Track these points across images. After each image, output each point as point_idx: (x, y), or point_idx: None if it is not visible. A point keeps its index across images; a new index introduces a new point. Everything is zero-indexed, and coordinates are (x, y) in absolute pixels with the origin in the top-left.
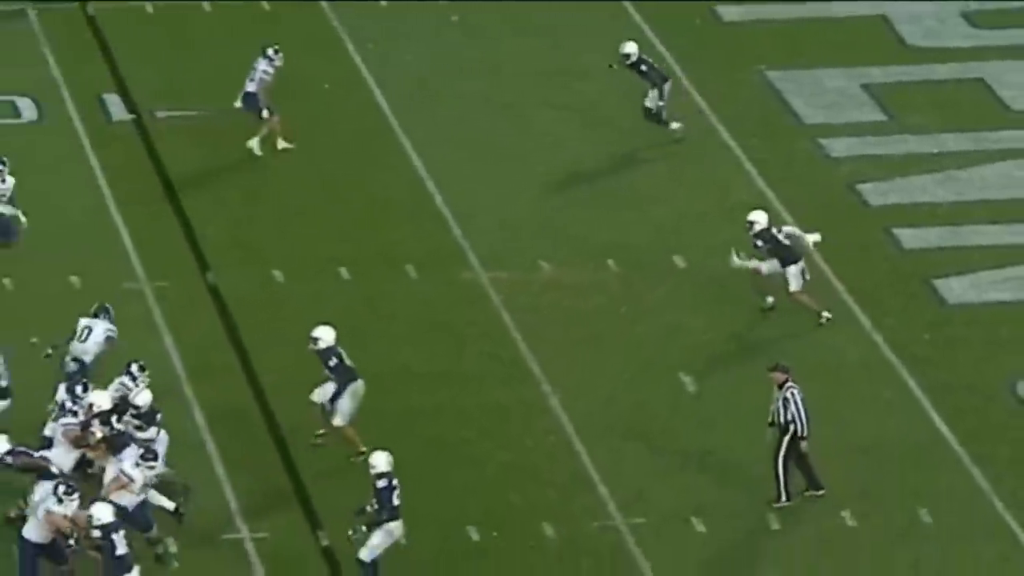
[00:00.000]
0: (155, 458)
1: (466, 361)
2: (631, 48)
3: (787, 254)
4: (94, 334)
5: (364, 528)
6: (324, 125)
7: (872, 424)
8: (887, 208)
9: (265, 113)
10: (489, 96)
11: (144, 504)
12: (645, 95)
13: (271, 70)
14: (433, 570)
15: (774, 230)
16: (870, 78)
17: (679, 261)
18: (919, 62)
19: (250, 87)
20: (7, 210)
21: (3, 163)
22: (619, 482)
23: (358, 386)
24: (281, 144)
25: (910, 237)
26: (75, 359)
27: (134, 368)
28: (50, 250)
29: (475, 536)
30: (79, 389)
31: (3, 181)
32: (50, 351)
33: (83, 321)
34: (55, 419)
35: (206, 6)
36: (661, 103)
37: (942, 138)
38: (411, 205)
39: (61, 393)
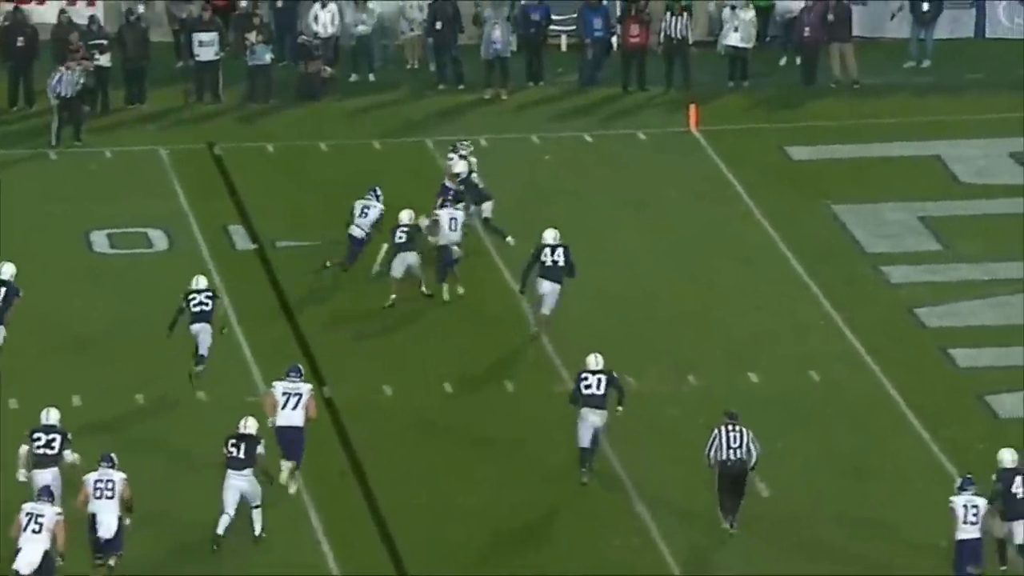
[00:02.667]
0: None
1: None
2: (461, 167)
3: None
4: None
5: None
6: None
7: (930, 524)
8: (942, 330)
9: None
10: (577, 221)
11: None
12: (472, 210)
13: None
14: None
15: None
16: (926, 211)
17: (753, 376)
18: (971, 197)
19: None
20: None
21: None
22: None
23: None
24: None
25: (964, 357)
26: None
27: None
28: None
29: None
30: None
31: None
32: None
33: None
34: None
35: (322, 146)
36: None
37: (992, 267)
38: (506, 320)
39: None
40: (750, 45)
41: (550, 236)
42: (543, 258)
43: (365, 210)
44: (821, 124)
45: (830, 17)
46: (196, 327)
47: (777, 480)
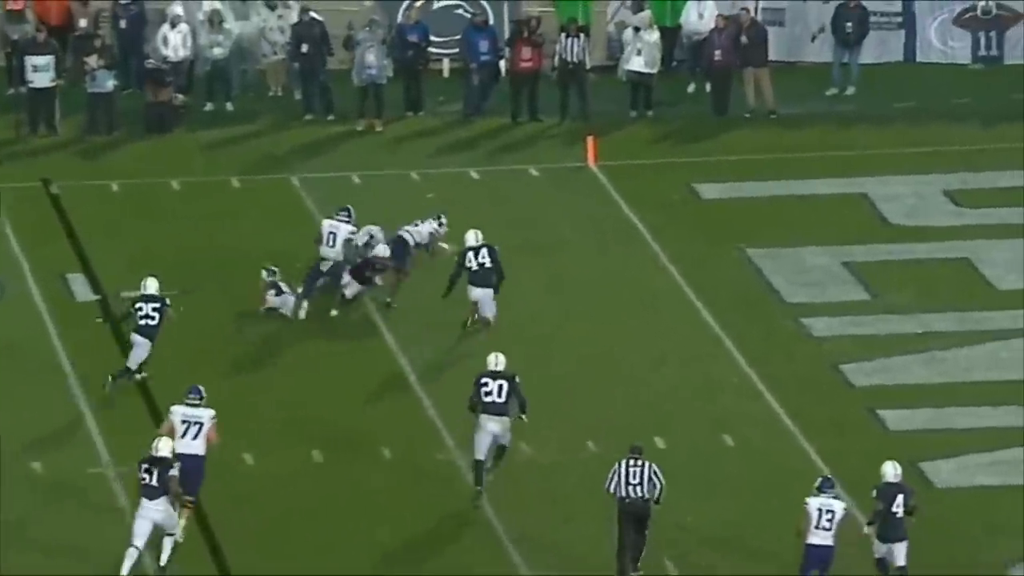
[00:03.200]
0: None
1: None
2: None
3: None
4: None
5: None
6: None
7: None
8: (871, 389)
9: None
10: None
11: None
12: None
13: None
14: None
15: None
16: (852, 256)
17: (659, 441)
18: (902, 240)
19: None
20: None
21: None
22: None
23: None
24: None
25: (895, 419)
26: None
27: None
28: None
29: None
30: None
31: None
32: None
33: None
34: None
35: (174, 184)
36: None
37: (925, 318)
38: (385, 383)
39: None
40: (655, 70)
41: (472, 238)
42: (468, 263)
43: (332, 235)
44: (734, 159)
45: (743, 39)
46: (137, 339)
47: (685, 557)
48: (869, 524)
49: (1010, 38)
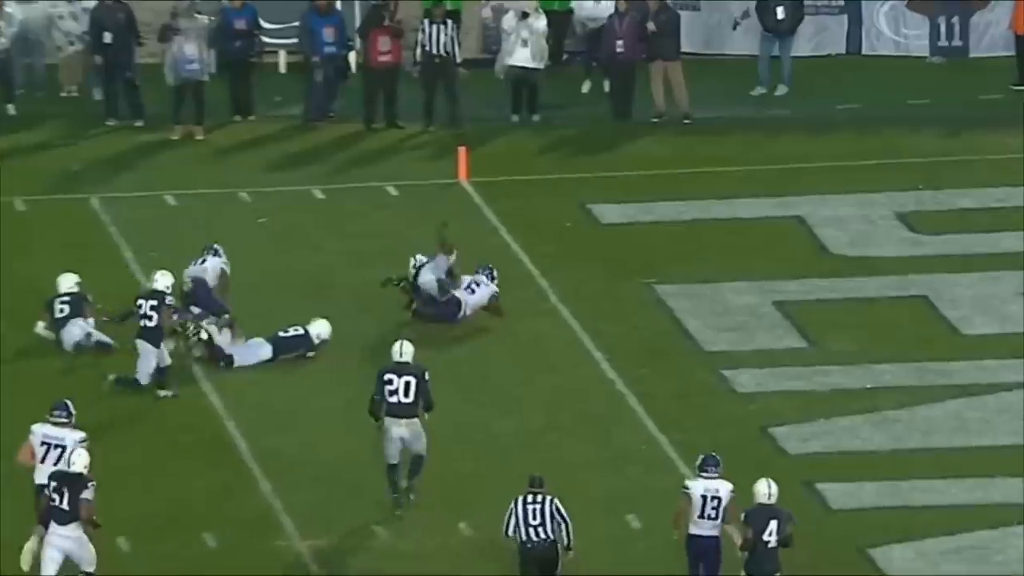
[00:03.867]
0: None
1: None
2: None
3: None
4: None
5: None
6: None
7: None
8: (808, 458)
9: None
10: (305, 308)
11: None
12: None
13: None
14: None
15: None
16: (785, 294)
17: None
18: (845, 275)
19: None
20: None
21: None
22: None
23: None
24: None
25: (839, 495)
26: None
27: None
28: None
29: None
30: None
31: None
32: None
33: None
34: None
35: None
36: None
37: (875, 370)
38: (209, 448)
39: None
40: (541, 65)
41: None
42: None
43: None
44: (639, 174)
45: (651, 27)
46: (141, 344)
47: None
48: (741, 550)
49: (977, 25)
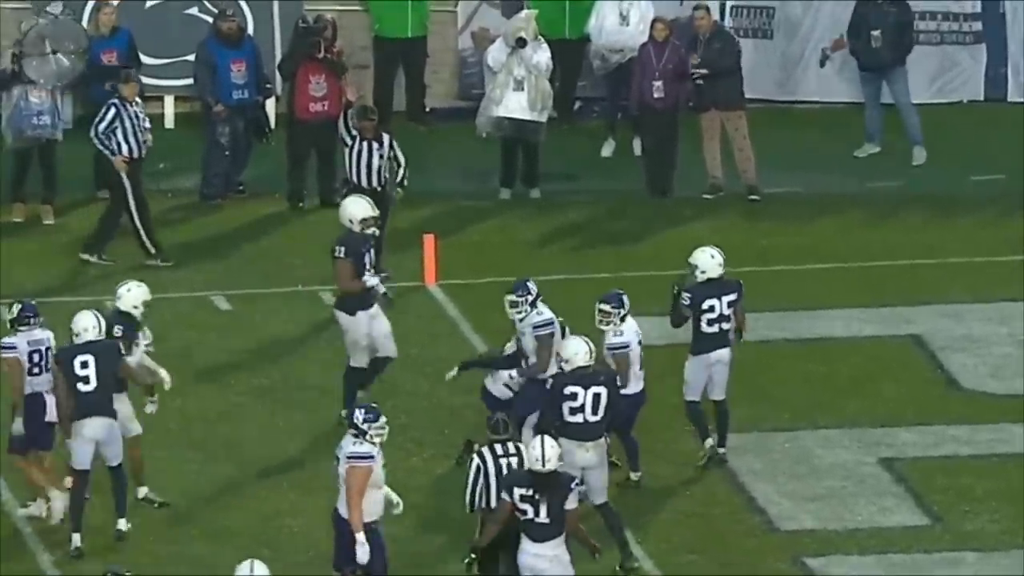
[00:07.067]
0: None
1: None
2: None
3: None
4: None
5: None
6: None
7: None
8: None
9: None
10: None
11: None
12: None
13: None
14: None
15: None
16: (896, 448)
17: None
18: (984, 420)
19: None
20: None
21: None
22: None
23: None
24: None
25: None
26: None
27: None
28: None
29: None
30: None
31: None
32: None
33: None
34: None
35: None
36: None
37: None
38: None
39: None
40: (543, 117)
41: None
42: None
43: None
44: (683, 273)
45: (697, 61)
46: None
47: None
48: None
49: None
